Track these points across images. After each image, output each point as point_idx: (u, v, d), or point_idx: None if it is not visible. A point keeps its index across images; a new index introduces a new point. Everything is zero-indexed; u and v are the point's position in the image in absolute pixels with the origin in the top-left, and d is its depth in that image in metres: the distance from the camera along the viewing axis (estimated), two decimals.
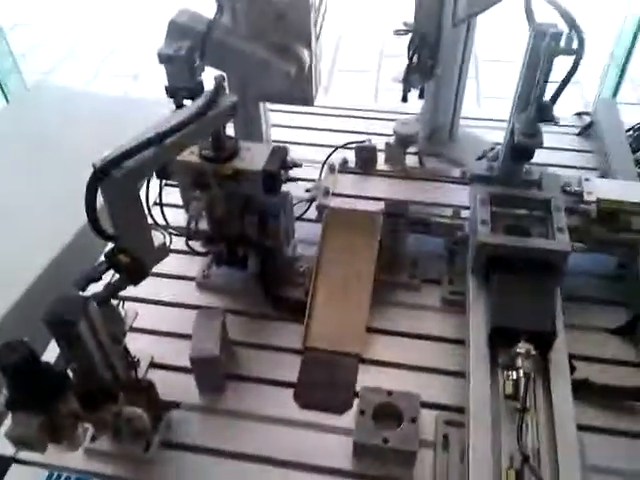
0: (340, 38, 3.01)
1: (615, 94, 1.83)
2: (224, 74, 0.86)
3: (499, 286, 0.87)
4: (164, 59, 0.93)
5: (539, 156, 1.25)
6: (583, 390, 0.87)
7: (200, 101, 0.78)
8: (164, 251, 0.82)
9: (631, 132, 1.24)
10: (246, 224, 0.93)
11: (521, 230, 0.94)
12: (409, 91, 1.08)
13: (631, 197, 0.98)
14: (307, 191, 1.12)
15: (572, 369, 0.85)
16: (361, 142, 1.12)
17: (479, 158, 1.27)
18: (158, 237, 0.82)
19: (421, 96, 1.12)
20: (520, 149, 0.94)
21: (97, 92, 2.12)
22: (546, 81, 0.87)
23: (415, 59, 1.01)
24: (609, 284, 1.05)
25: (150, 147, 0.71)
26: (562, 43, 0.83)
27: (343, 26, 3.03)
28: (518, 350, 0.78)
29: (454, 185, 1.09)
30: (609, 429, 0.85)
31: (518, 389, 0.75)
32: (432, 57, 1.01)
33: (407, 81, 1.03)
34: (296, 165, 0.92)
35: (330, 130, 1.36)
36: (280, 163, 0.87)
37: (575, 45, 0.83)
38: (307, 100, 1.12)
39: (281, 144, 1.28)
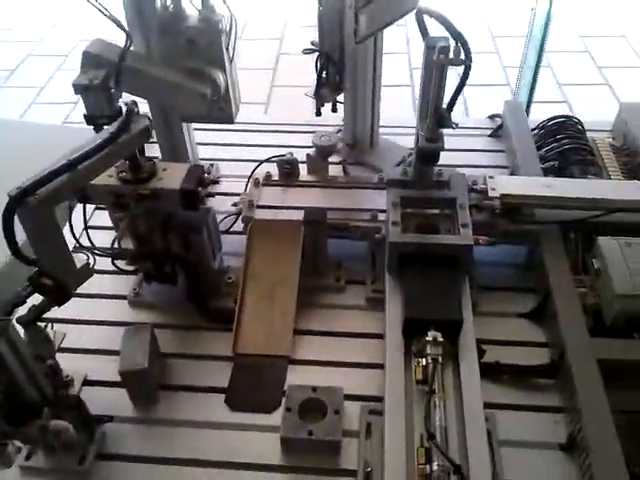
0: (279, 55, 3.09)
1: (531, 93, 1.95)
2: (136, 99, 0.90)
3: (410, 281, 0.94)
4: (79, 90, 0.96)
5: (455, 158, 1.36)
6: (495, 372, 0.94)
7: (112, 127, 0.82)
8: (88, 272, 0.85)
9: (536, 131, 1.33)
10: (170, 240, 0.97)
11: (430, 228, 1.01)
12: (322, 105, 1.14)
13: (531, 191, 1.06)
14: (234, 205, 1.16)
15: (482, 353, 0.92)
16: (282, 156, 1.18)
17: (398, 164, 1.34)
18: (81, 258, 0.85)
19: (334, 110, 1.18)
20: (424, 154, 1.01)
21: (31, 121, 2.13)
22: (441, 90, 0.94)
23: (324, 75, 1.08)
24: (520, 273, 1.12)
25: (64, 173, 0.75)
26: (452, 55, 0.91)
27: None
28: (427, 338, 0.84)
29: (373, 190, 1.15)
30: (519, 405, 0.92)
31: (427, 374, 0.81)
32: (338, 73, 1.07)
33: (318, 96, 1.09)
34: (214, 182, 0.97)
35: (255, 145, 1.42)
36: (197, 181, 0.92)
37: (462, 56, 0.91)
38: (228, 118, 1.17)
39: (205, 162, 1.36)
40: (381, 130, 1.42)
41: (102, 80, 0.98)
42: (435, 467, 0.71)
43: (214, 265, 1.05)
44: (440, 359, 0.83)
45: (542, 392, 0.93)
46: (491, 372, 0.94)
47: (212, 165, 1.36)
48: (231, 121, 1.17)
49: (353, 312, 1.07)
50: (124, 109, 0.85)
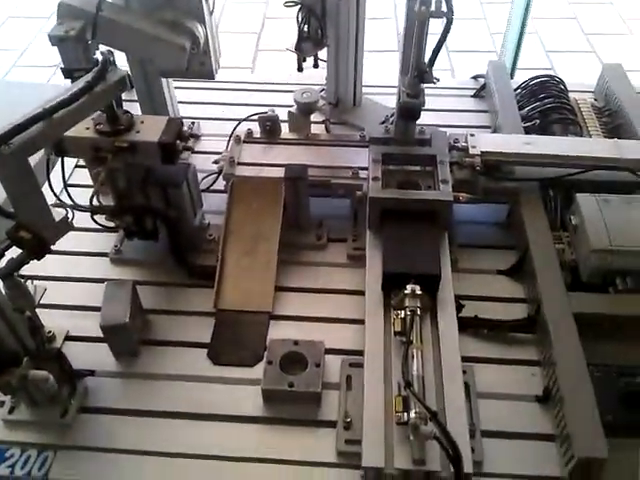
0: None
1: (516, 58, 1.94)
2: (113, 50, 0.88)
3: (390, 236, 0.94)
4: (55, 41, 0.94)
5: (438, 118, 1.35)
6: (473, 326, 0.95)
7: (88, 76, 0.81)
8: (66, 226, 0.84)
9: (519, 90, 1.33)
10: (149, 195, 0.97)
11: (411, 184, 1.01)
12: (304, 60, 1.13)
13: (511, 148, 1.06)
14: (215, 163, 1.15)
15: (460, 307, 0.94)
16: (264, 113, 1.16)
17: (382, 123, 1.34)
18: (60, 213, 0.84)
19: (315, 65, 1.16)
20: (406, 109, 1.00)
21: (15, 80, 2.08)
22: (422, 44, 0.94)
23: (305, 28, 1.06)
24: (500, 231, 1.13)
25: (39, 122, 0.73)
26: (433, 7, 0.90)
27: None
28: (405, 291, 0.85)
29: (354, 148, 1.14)
30: (496, 359, 0.93)
31: (405, 325, 0.82)
32: (320, 27, 1.05)
33: (300, 50, 1.08)
34: (193, 136, 0.96)
35: (237, 104, 1.40)
36: (176, 134, 0.91)
37: (444, 8, 0.90)
38: (208, 74, 1.15)
39: (187, 120, 1.34)
40: (364, 90, 1.41)
41: (78, 31, 0.96)
42: (412, 415, 0.73)
43: (195, 222, 1.04)
44: (418, 311, 0.84)
45: (520, 346, 0.95)
46: (469, 326, 0.95)
47: (193, 123, 1.35)
48: (211, 76, 1.16)
49: (334, 269, 1.07)
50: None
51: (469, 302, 0.98)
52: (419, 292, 0.85)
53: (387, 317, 0.88)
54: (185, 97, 1.40)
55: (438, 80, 0.98)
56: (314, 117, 1.32)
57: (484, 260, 1.08)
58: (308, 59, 1.14)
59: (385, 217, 0.97)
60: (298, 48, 1.06)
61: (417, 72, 0.96)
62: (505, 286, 1.04)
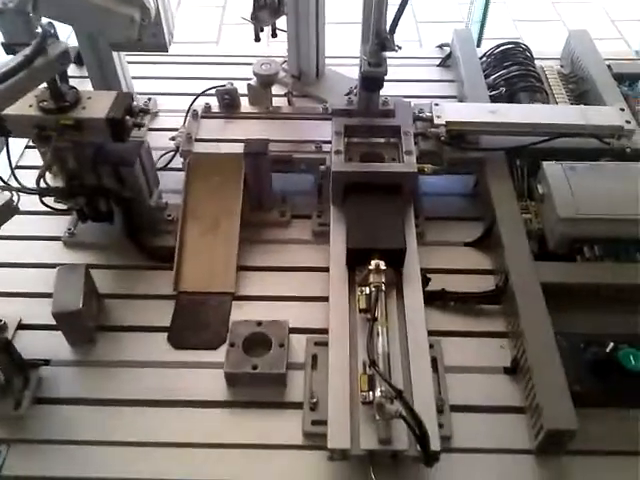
0: None
1: (482, 28, 1.91)
2: (52, 21, 0.83)
3: (353, 211, 0.91)
4: None
5: (403, 89, 1.32)
6: (440, 299, 0.94)
7: (26, 50, 0.76)
8: (11, 210, 0.80)
9: (484, 58, 1.30)
10: (101, 175, 0.92)
11: (375, 157, 0.99)
12: (261, 30, 1.08)
13: (476, 117, 1.04)
14: (171, 139, 1.11)
15: (427, 281, 0.91)
16: (222, 86, 1.12)
17: (346, 95, 1.30)
18: (4, 196, 0.80)
19: (274, 35, 1.12)
20: (367, 79, 0.97)
21: None
22: (382, 9, 0.90)
23: None
24: (467, 202, 1.11)
25: None
26: None
27: None
28: (370, 267, 0.83)
29: (317, 121, 1.10)
30: (464, 332, 0.92)
31: (370, 302, 0.80)
32: None
33: (256, 19, 1.03)
34: (144, 111, 0.91)
35: (194, 78, 1.35)
36: (125, 109, 0.86)
37: None
38: (161, 46, 1.10)
39: (143, 96, 1.29)
40: (328, 61, 1.37)
41: (18, 3, 0.90)
42: (378, 393, 0.71)
43: (151, 202, 1.00)
44: (383, 287, 0.81)
45: (488, 318, 0.94)
46: (437, 299, 0.94)
47: (150, 99, 1.29)
48: (165, 49, 1.10)
49: (299, 247, 1.04)
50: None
51: (436, 275, 0.96)
52: (383, 267, 0.82)
53: (352, 294, 0.85)
54: (141, 72, 1.34)
55: (400, 48, 0.94)
56: (276, 90, 1.29)
57: (451, 232, 1.05)
58: (266, 28, 1.09)
59: (349, 191, 0.94)
60: (254, 17, 1.02)
61: (378, 40, 0.92)
62: (472, 258, 1.02)
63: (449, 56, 1.39)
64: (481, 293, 0.94)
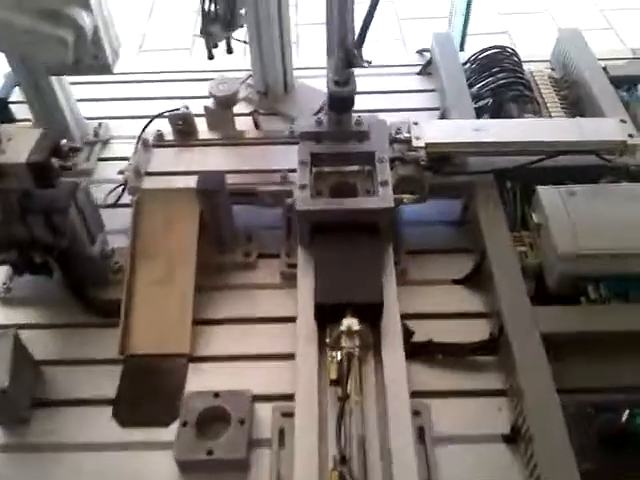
0: None
1: (466, 24, 1.79)
2: None
3: (322, 257, 0.79)
4: None
5: (381, 101, 1.20)
6: (427, 352, 0.82)
7: None
8: None
9: (468, 65, 1.18)
10: (31, 225, 0.80)
11: (347, 189, 0.86)
12: (215, 46, 0.95)
13: (459, 137, 0.92)
14: (120, 173, 0.98)
15: (410, 334, 0.80)
16: (175, 110, 0.99)
17: (318, 111, 1.18)
18: None
19: (229, 51, 0.99)
20: (333, 100, 0.85)
21: None
22: (347, 17, 0.78)
23: (212, 9, 0.89)
24: (455, 231, 0.99)
25: None
26: None
27: None
28: (341, 328, 0.71)
29: (283, 146, 0.98)
30: (456, 392, 0.79)
31: (342, 372, 0.68)
32: (229, 6, 0.88)
33: (207, 34, 0.90)
34: (75, 149, 0.79)
35: (151, 98, 1.22)
36: (50, 150, 0.74)
37: None
38: (104, 68, 0.97)
39: (92, 121, 1.17)
40: (297, 73, 1.24)
41: None
42: None
43: (93, 250, 0.87)
44: (357, 351, 0.69)
45: (483, 372, 0.81)
46: (423, 353, 0.82)
47: (100, 125, 1.17)
48: (108, 71, 0.97)
49: (266, 292, 0.92)
50: None
51: (421, 322, 0.85)
52: (357, 328, 0.70)
53: (322, 356, 0.73)
54: (88, 94, 1.21)
55: (370, 63, 0.82)
56: (241, 108, 1.17)
57: (437, 268, 0.93)
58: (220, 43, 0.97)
59: (317, 231, 0.82)
60: (204, 31, 0.89)
61: (343, 55, 0.80)
62: (462, 299, 0.90)
63: (429, 62, 1.26)
64: (474, 344, 0.82)
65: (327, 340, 0.73)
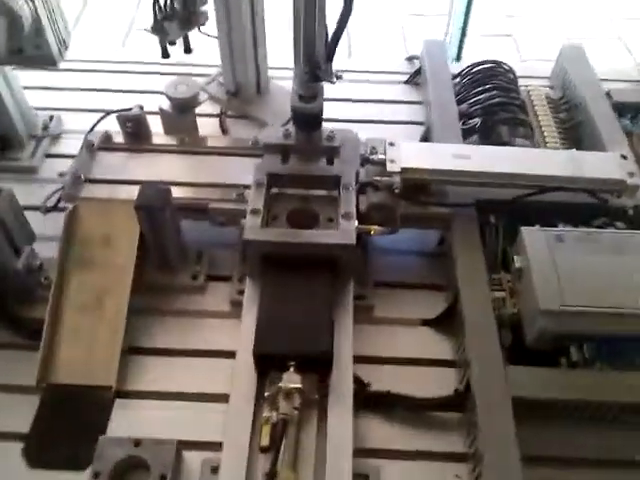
0: None
1: (465, 25, 1.68)
2: None
3: (267, 295, 0.69)
4: None
5: (364, 111, 1.10)
6: (385, 405, 0.72)
7: None
8: None
9: (458, 79, 1.07)
10: None
11: (307, 217, 0.76)
12: (173, 43, 0.85)
13: (440, 164, 0.82)
14: (60, 176, 0.88)
15: (363, 387, 0.70)
16: (127, 110, 0.89)
17: (286, 124, 1.07)
18: None
19: (187, 50, 0.89)
20: (297, 117, 0.75)
21: None
22: (314, 26, 0.67)
23: (167, 3, 0.78)
24: (429, 264, 0.89)
25: None
26: None
27: None
28: (280, 384, 0.61)
29: (245, 159, 0.88)
30: (411, 452, 0.70)
31: (274, 440, 0.58)
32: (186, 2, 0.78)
33: (161, 31, 0.80)
34: None
35: (109, 90, 1.11)
36: None
37: None
38: (47, 59, 0.87)
39: (43, 112, 1.06)
40: (272, 73, 1.13)
41: None
42: None
43: (18, 263, 0.77)
44: (296, 415, 0.60)
45: (445, 431, 0.72)
46: (380, 404, 0.72)
47: (52, 117, 1.06)
48: (52, 62, 0.87)
49: (212, 321, 0.82)
50: None
51: (384, 367, 0.77)
52: (297, 385, 0.60)
53: (259, 410, 0.64)
54: (40, 81, 1.10)
55: (340, 78, 0.72)
56: (208, 109, 1.07)
57: (406, 305, 0.84)
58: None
59: (267, 264, 0.72)
60: (157, 29, 0.78)
61: (309, 67, 0.70)
62: (431, 343, 0.81)
63: (418, 72, 1.16)
64: (435, 400, 0.72)
65: (265, 393, 0.63)
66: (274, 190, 0.78)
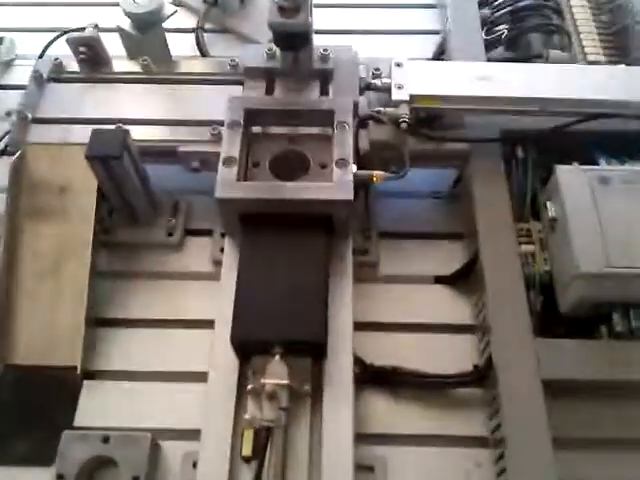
0: None
1: None
2: None
3: (247, 264, 0.57)
4: None
5: (362, 17, 0.94)
6: (392, 383, 0.62)
7: None
8: None
9: None
10: None
11: (295, 161, 0.63)
12: None
13: (460, 89, 0.67)
14: (7, 115, 0.75)
15: (365, 368, 0.60)
16: (79, 29, 0.74)
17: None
18: None
19: None
20: (278, 35, 0.59)
21: None
22: None
23: None
24: (442, 208, 0.76)
25: None
26: None
27: None
28: (264, 380, 0.50)
29: (221, 87, 0.74)
30: (423, 436, 0.61)
31: (257, 449, 0.48)
32: None
33: None
34: None
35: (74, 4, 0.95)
36: None
37: None
38: None
39: None
40: None
41: None
42: None
43: None
44: (283, 417, 0.49)
45: (462, 411, 0.62)
46: (386, 382, 0.62)
47: (1, 40, 0.90)
48: None
49: (191, 284, 0.71)
50: None
51: (390, 335, 0.66)
52: (284, 382, 0.50)
53: (240, 409, 0.53)
54: None
55: None
56: (184, 22, 0.91)
57: (416, 259, 0.72)
58: None
59: (248, 222, 0.59)
60: None
61: None
62: (445, 304, 0.69)
63: None
64: (450, 377, 0.62)
65: (249, 386, 0.53)
66: (256, 129, 0.64)
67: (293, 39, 0.60)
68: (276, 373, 0.50)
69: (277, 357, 0.51)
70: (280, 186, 0.57)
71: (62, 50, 0.79)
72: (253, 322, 0.53)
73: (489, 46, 0.81)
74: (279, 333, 0.52)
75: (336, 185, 0.57)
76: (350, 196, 0.56)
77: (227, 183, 0.57)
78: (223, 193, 0.56)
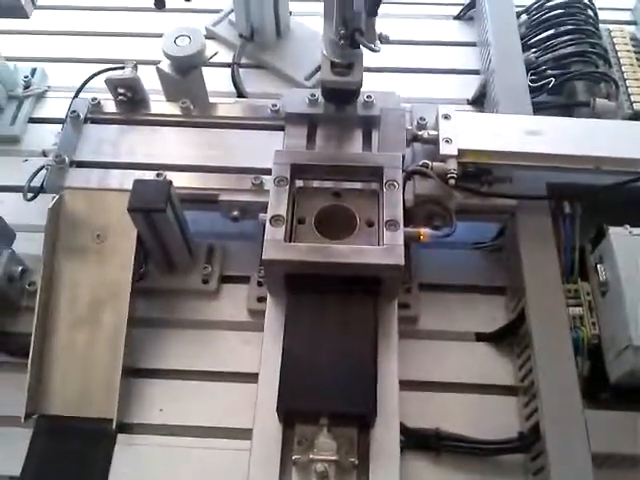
0: None
1: None
2: None
3: (291, 331, 0.55)
4: None
5: (403, 56, 0.92)
6: (433, 447, 0.61)
7: None
8: None
9: (525, 16, 0.87)
10: None
11: (342, 218, 0.61)
12: None
13: (510, 144, 0.65)
14: (44, 155, 0.74)
15: (406, 430, 0.58)
16: (117, 68, 0.73)
17: (310, 76, 0.89)
18: None
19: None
20: (328, 91, 0.58)
21: None
22: None
23: None
24: (485, 260, 0.75)
25: None
26: None
27: None
28: (312, 457, 0.49)
29: (261, 132, 0.72)
30: None
31: None
32: None
33: None
34: None
35: (102, 35, 0.94)
36: None
37: None
38: (18, 10, 0.70)
39: (20, 64, 0.90)
40: (295, 7, 0.95)
41: None
42: None
43: None
44: None
45: (506, 477, 0.61)
46: (427, 446, 0.61)
47: (34, 71, 0.90)
48: (22, 14, 0.70)
49: (227, 334, 0.70)
50: None
51: (431, 394, 0.64)
52: (333, 458, 0.48)
53: (283, 476, 0.52)
54: (23, 24, 0.93)
55: (386, 41, 0.55)
56: (219, 56, 0.90)
57: (457, 314, 0.70)
58: None
59: (294, 284, 0.58)
60: None
61: (345, 29, 0.52)
62: (487, 363, 0.67)
63: (472, 5, 0.95)
64: (494, 443, 0.60)
65: (293, 456, 0.51)
66: (298, 183, 0.63)
67: (344, 95, 0.59)
68: (325, 448, 0.49)
69: (325, 430, 0.50)
70: (328, 248, 0.55)
71: (96, 83, 0.78)
72: (301, 391, 0.51)
73: (534, 90, 0.79)
74: (328, 404, 0.51)
75: (386, 249, 0.55)
76: (401, 261, 0.54)
77: (275, 244, 0.55)
78: (271, 255, 0.55)
